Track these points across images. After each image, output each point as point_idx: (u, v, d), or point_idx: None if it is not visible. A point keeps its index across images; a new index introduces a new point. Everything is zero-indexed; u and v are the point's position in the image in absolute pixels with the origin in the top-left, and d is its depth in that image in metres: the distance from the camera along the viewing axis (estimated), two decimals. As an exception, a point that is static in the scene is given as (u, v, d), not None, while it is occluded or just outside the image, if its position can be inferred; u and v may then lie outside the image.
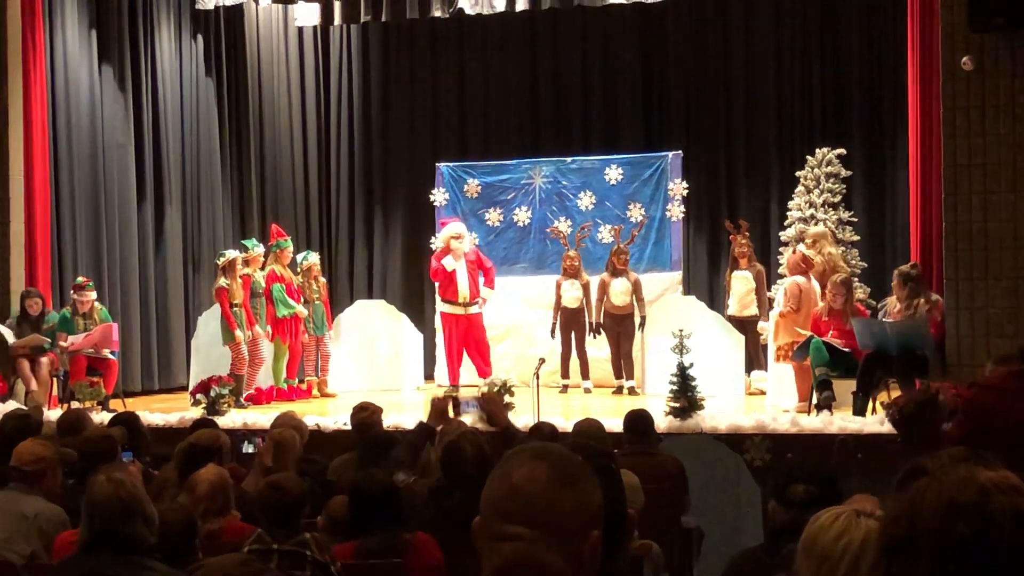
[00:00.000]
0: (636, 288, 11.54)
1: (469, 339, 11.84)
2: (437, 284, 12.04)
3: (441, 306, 12.09)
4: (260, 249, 11.55)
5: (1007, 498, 1.49)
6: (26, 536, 4.79)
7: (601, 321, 11.58)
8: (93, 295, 10.71)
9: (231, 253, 11.24)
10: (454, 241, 11.75)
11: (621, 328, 11.54)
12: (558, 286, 11.83)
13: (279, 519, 4.26)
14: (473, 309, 11.81)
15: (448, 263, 11.70)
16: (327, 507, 4.81)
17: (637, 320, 11.53)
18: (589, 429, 6.25)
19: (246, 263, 11.27)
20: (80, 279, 10.90)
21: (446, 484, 4.85)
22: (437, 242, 12.92)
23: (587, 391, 11.74)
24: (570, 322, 11.78)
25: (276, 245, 11.66)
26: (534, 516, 1.71)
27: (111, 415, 8.35)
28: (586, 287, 11.75)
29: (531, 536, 1.70)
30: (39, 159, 11.06)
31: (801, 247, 10.68)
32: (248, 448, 7.59)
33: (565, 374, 11.90)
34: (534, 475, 1.73)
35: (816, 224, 11.63)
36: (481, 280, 11.89)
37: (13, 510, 4.88)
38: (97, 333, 10.49)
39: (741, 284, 11.42)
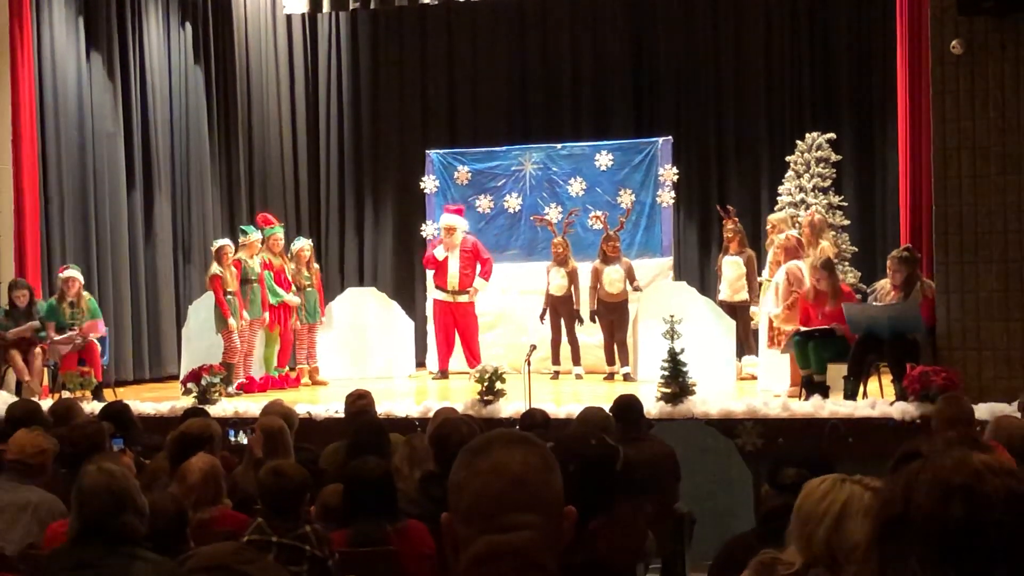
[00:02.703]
0: (629, 273, 11.54)
1: (458, 327, 11.94)
2: (431, 272, 12.12)
3: (433, 292, 12.17)
4: (257, 235, 11.52)
5: (1000, 480, 1.49)
6: (26, 526, 4.77)
7: (595, 309, 11.59)
8: (79, 277, 10.64)
9: (222, 241, 11.22)
10: (445, 233, 11.87)
11: (615, 316, 11.53)
12: (547, 273, 11.83)
13: (279, 507, 4.23)
14: (462, 298, 11.92)
15: (439, 252, 11.91)
16: (320, 495, 4.80)
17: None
18: (593, 418, 6.06)
19: (242, 247, 11.25)
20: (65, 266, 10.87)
21: (437, 471, 4.84)
22: (429, 229, 12.94)
23: (578, 377, 11.74)
24: (556, 309, 11.78)
25: (265, 232, 11.62)
26: (540, 501, 1.73)
27: (102, 404, 8.32)
28: (572, 274, 11.72)
29: (540, 522, 1.72)
30: (27, 148, 11.01)
31: (794, 232, 10.66)
32: (241, 438, 7.55)
33: (556, 360, 11.90)
34: (529, 462, 1.74)
35: (806, 208, 11.65)
36: (478, 270, 11.99)
37: (12, 500, 4.86)
38: (80, 334, 10.43)
39: (732, 269, 11.42)
